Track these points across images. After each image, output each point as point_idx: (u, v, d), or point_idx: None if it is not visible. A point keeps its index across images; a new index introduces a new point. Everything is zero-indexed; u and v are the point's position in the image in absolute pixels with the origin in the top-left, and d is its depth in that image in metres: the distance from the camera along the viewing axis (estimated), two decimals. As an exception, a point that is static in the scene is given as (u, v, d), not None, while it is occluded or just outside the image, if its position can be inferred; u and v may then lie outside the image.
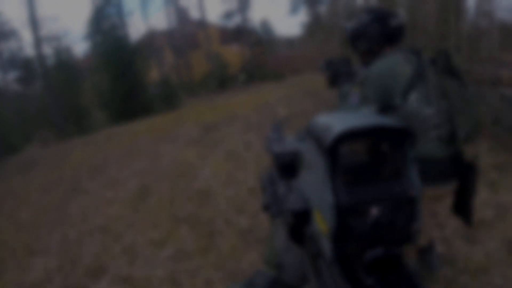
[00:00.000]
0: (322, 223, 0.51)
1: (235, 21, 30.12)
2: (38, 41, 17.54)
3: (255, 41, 29.61)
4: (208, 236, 3.44)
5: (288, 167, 0.77)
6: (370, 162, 0.53)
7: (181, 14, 32.79)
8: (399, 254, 0.52)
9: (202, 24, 32.61)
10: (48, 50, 20.12)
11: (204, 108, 11.36)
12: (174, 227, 3.77)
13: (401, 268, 0.52)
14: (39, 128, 18.61)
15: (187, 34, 31.45)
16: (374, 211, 0.49)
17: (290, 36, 53.19)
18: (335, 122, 0.50)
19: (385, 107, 1.67)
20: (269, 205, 0.85)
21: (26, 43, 33.95)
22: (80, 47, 76.43)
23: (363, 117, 0.56)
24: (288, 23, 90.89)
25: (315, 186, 0.53)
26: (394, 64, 1.73)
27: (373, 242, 0.51)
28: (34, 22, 17.45)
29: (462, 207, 1.74)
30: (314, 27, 35.75)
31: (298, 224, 0.61)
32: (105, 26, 19.43)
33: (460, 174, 1.70)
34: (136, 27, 31.34)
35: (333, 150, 0.47)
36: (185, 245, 3.41)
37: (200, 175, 5.11)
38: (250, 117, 8.08)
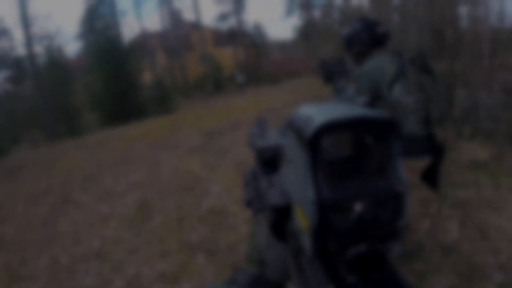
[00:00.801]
0: (302, 219, 0.46)
1: (230, 23, 29.50)
2: (29, 40, 16.74)
3: (249, 44, 29.06)
4: (231, 269, 2.82)
5: (270, 162, 0.73)
6: (354, 156, 0.48)
7: (175, 16, 32.13)
8: (383, 251, 0.47)
9: (195, 26, 32.05)
10: (39, 49, 19.32)
11: (202, 111, 10.74)
12: (187, 256, 3.14)
13: (385, 265, 0.47)
14: (29, 129, 17.74)
15: (180, 36, 30.76)
16: (358, 207, 0.44)
17: (283, 40, 52.99)
18: (317, 114, 0.45)
19: (375, 97, 2.05)
20: (252, 200, 0.80)
21: (18, 42, 32.75)
22: (72, 47, 75.08)
23: (347, 109, 0.48)
24: (279, 27, 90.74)
25: (296, 181, 0.48)
26: (381, 63, 2.09)
27: (356, 239, 0.46)
28: (25, 21, 16.65)
29: (431, 176, 2.07)
30: (308, 30, 35.39)
31: (280, 220, 0.56)
32: (98, 26, 18.70)
33: (433, 150, 2.05)
34: (130, 27, 30.54)
35: (314, 142, 0.43)
36: (203, 280, 2.79)
37: (210, 190, 4.48)
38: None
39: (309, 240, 0.46)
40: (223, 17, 29.56)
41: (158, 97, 18.42)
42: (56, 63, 19.05)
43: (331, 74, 2.52)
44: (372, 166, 0.48)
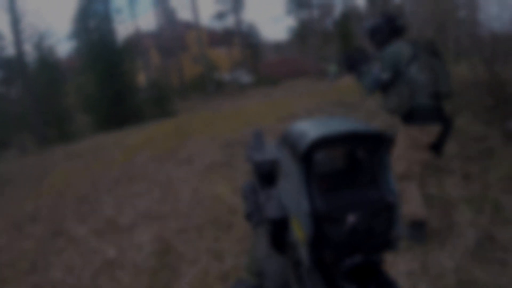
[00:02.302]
0: (299, 231, 0.47)
1: (228, 22, 28.27)
2: (17, 36, 15.34)
3: (246, 44, 27.84)
4: None
5: (267, 176, 0.69)
6: (346, 169, 0.49)
7: (169, 15, 30.80)
8: (378, 261, 0.47)
9: (189, 25, 30.83)
10: (29, 48, 17.92)
11: (209, 116, 9.49)
12: None
13: (381, 275, 0.47)
14: (19, 133, 16.28)
15: (175, 36, 29.41)
16: (351, 218, 0.44)
17: (277, 41, 51.87)
18: (309, 129, 0.46)
19: (395, 74, 2.52)
20: (251, 214, 0.74)
21: (9, 42, 30.96)
22: (65, 47, 72.98)
23: (339, 124, 0.48)
24: (272, 28, 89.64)
25: (291, 194, 0.49)
26: (400, 48, 2.56)
27: (351, 249, 0.46)
28: (13, 15, 15.22)
29: (437, 145, 2.58)
30: (305, 31, 34.30)
31: (279, 232, 0.56)
32: (91, 24, 17.37)
33: (442, 120, 2.55)
34: (124, 26, 29.20)
35: (307, 157, 0.44)
36: None
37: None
38: (279, 131, 6.32)
39: (305, 251, 0.45)
40: (220, 15, 28.28)
41: (155, 98, 17.10)
42: (47, 63, 17.63)
43: (355, 63, 2.76)
44: (364, 178, 0.48)
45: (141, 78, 21.22)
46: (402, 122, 2.59)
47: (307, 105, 7.97)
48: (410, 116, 2.52)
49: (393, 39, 2.68)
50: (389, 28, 2.70)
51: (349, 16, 24.00)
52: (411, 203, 2.57)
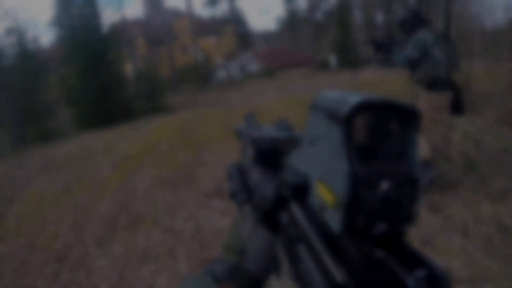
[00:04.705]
0: (328, 195, 0.46)
1: (220, 10, 25.98)
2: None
3: (240, 34, 25.62)
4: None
5: (267, 153, 0.69)
6: (380, 139, 0.47)
7: (156, 2, 28.31)
8: (403, 232, 0.46)
9: (177, 13, 28.53)
10: (9, 39, 15.48)
11: (222, 115, 7.50)
12: None
13: (406, 246, 0.46)
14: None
15: (163, 24, 26.98)
16: (385, 185, 0.43)
17: (265, 31, 49.62)
18: (348, 96, 0.46)
19: (422, 54, 3.28)
20: (236, 193, 0.73)
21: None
22: (47, 37, 68.98)
23: (373, 95, 0.46)
24: (259, 18, 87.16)
25: (322, 159, 0.48)
26: (426, 35, 3.32)
27: (380, 216, 0.44)
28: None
29: (456, 108, 3.37)
30: (295, 21, 32.30)
31: (274, 210, 0.57)
32: (73, 9, 15.01)
33: (454, 89, 3.34)
34: (110, 12, 26.37)
35: (349, 120, 0.44)
36: None
37: None
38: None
39: (337, 214, 0.44)
40: (212, 2, 25.88)
41: (145, 91, 14.91)
42: (25, 54, 15.21)
43: (382, 46, 3.64)
44: (395, 150, 0.47)
45: (128, 69, 18.97)
46: (425, 90, 3.35)
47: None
48: (432, 85, 3.30)
49: (419, 28, 3.43)
50: (416, 20, 3.47)
51: (347, 5, 22.10)
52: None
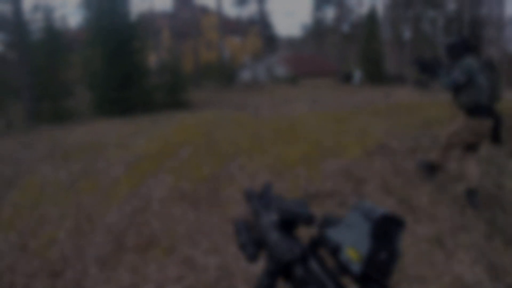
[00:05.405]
0: (354, 254, 0.61)
1: (247, 10, 25.30)
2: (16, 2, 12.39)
3: (267, 36, 24.89)
4: None
5: (289, 222, 0.77)
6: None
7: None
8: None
9: (205, 10, 27.97)
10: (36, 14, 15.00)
11: (251, 122, 6.79)
12: None
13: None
14: (5, 108, 13.30)
15: (190, 19, 26.40)
16: (383, 254, 0.60)
17: (289, 36, 48.89)
18: (377, 207, 0.61)
19: (468, 80, 3.29)
20: (245, 245, 0.81)
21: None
22: (74, 18, 69.04)
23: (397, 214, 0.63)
24: (284, 23, 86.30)
25: (354, 236, 0.62)
26: (472, 61, 3.34)
27: (382, 276, 0.61)
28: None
29: (495, 138, 3.37)
30: (321, 29, 31.50)
31: (293, 263, 0.68)
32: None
33: (494, 117, 3.34)
34: (138, 1, 26.01)
35: (378, 223, 0.59)
36: None
37: None
38: (377, 174, 3.73)
39: (359, 266, 0.58)
40: (241, 2, 25.17)
41: (168, 84, 14.26)
42: (51, 31, 14.67)
43: (427, 67, 3.53)
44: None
45: (151, 60, 18.37)
46: (466, 115, 3.39)
47: (385, 128, 5.37)
48: (474, 111, 3.34)
49: (466, 54, 3.43)
50: (464, 46, 3.47)
51: (376, 18, 21.23)
52: (469, 173, 3.48)
